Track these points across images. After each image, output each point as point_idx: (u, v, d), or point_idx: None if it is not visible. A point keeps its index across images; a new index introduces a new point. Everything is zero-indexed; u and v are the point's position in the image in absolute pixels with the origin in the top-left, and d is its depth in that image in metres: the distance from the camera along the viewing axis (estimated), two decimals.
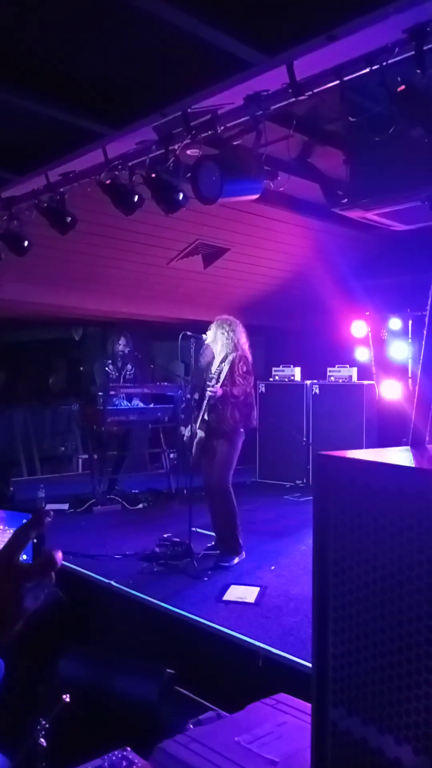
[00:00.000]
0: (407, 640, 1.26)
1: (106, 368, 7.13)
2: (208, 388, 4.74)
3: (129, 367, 7.27)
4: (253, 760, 1.89)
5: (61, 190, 5.04)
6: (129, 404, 7.02)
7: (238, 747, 1.96)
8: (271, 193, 4.24)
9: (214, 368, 4.91)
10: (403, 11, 2.83)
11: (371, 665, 1.31)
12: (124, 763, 1.93)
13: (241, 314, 5.20)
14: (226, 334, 4.87)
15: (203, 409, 4.85)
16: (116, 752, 1.99)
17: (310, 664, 1.51)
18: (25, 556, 0.97)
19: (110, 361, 7.20)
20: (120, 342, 7.27)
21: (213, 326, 4.95)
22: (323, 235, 7.50)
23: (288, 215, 6.70)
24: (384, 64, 3.11)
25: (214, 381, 4.76)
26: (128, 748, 2.01)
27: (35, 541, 0.98)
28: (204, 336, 4.98)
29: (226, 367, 4.74)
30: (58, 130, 4.29)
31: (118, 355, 7.25)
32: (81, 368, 11.51)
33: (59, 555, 0.94)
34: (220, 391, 4.71)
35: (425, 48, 2.97)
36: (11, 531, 0.99)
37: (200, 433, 4.86)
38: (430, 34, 2.94)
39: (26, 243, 5.57)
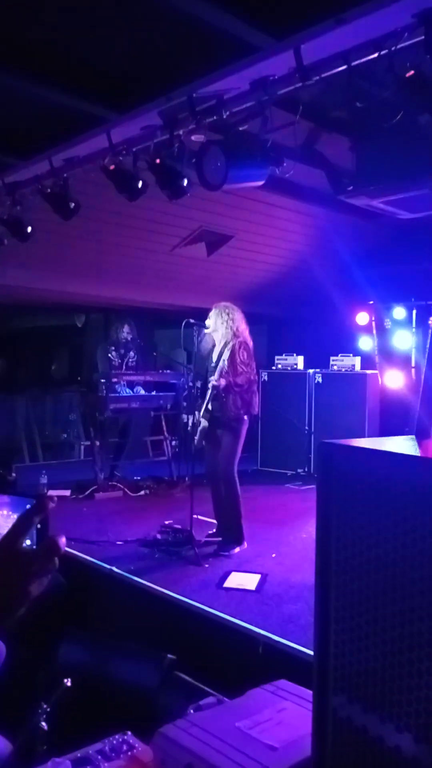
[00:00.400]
0: (409, 628, 1.26)
1: (109, 355, 7.11)
2: (212, 380, 4.70)
3: (132, 354, 7.25)
4: (253, 745, 1.90)
5: (65, 175, 5.01)
6: (131, 392, 7.01)
7: (238, 732, 1.97)
8: (276, 180, 4.20)
9: (214, 356, 4.89)
10: None
11: (373, 653, 1.31)
12: (125, 747, 1.94)
13: (245, 302, 5.18)
14: (225, 322, 4.83)
15: (206, 398, 4.83)
16: (117, 736, 2.00)
17: (310, 652, 1.51)
18: (28, 542, 0.97)
19: (113, 348, 7.17)
20: (124, 329, 7.24)
21: (212, 314, 4.91)
22: (327, 224, 7.46)
23: (292, 203, 6.66)
24: (393, 49, 3.07)
25: (216, 370, 4.73)
26: (129, 732, 2.02)
27: (39, 526, 0.98)
28: (206, 324, 4.96)
29: (227, 354, 4.72)
30: (62, 114, 4.26)
31: (121, 342, 7.22)
32: (83, 355, 11.50)
33: (63, 540, 0.94)
34: (223, 383, 4.69)
35: None
36: (15, 516, 0.99)
37: (204, 423, 4.85)
38: None
39: (29, 228, 5.55)
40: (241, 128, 3.95)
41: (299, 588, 4.01)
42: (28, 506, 0.99)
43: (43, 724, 2.51)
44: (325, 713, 1.40)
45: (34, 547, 0.97)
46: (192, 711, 2.19)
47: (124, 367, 7.11)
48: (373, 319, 8.23)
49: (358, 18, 2.96)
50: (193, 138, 4.21)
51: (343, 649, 1.39)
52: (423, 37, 2.95)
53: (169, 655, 3.09)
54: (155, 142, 4.32)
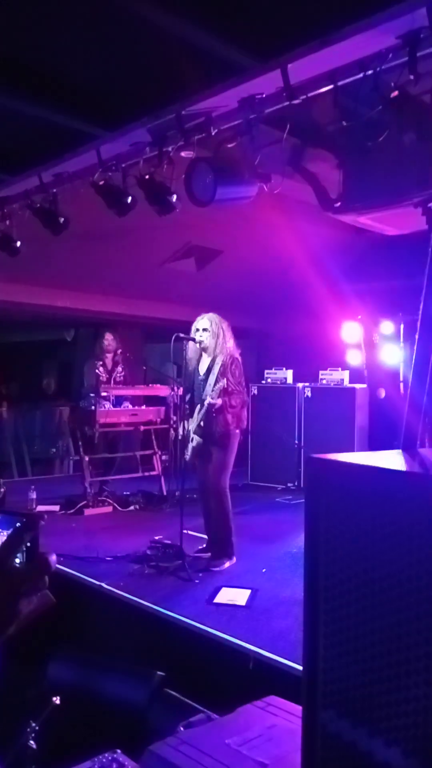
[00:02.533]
0: (398, 643, 1.26)
1: (96, 370, 7.06)
2: (208, 398, 4.67)
3: (119, 369, 7.20)
4: (243, 762, 1.89)
5: (54, 190, 5.03)
6: (120, 407, 6.98)
7: (228, 749, 1.96)
8: (265, 196, 4.25)
9: (202, 368, 4.88)
10: (396, 17, 2.85)
11: (362, 668, 1.32)
12: (114, 766, 1.93)
13: (234, 316, 5.19)
14: (218, 336, 4.81)
15: (197, 413, 4.83)
16: (106, 755, 1.98)
17: (300, 667, 1.51)
18: (18, 560, 0.96)
19: (100, 363, 7.12)
20: (107, 338, 7.16)
21: (204, 323, 4.84)
22: (316, 239, 7.53)
23: (281, 218, 6.72)
24: (377, 69, 3.13)
25: (209, 386, 4.70)
26: (118, 751, 2.00)
27: (28, 544, 0.98)
28: (198, 330, 4.87)
29: (217, 368, 4.71)
30: (51, 131, 4.29)
31: (108, 356, 7.14)
32: (73, 369, 11.47)
33: (53, 558, 0.94)
34: (220, 402, 4.67)
35: (419, 54, 3.00)
36: (5, 534, 0.99)
37: (197, 439, 4.84)
38: (424, 41, 2.96)
39: (18, 243, 5.56)
40: (229, 145, 4.00)
41: (289, 603, 4.00)
42: (17, 524, 0.99)
43: (32, 742, 2.49)
44: (314, 729, 1.40)
45: (24, 564, 0.97)
46: (182, 728, 2.18)
47: (112, 381, 7.06)
48: (362, 333, 8.28)
49: (343, 39, 3.02)
50: (182, 154, 4.25)
51: (332, 664, 1.40)
52: (407, 58, 3.01)
53: (159, 672, 3.07)
54: (144, 158, 4.36)
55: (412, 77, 3.02)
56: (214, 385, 4.68)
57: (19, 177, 5.05)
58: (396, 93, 3.08)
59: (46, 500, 6.79)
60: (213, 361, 4.79)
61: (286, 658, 3.21)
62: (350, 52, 3.17)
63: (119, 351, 7.25)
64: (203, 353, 4.88)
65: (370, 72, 3.17)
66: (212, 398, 4.65)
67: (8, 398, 10.73)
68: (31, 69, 3.65)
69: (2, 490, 6.36)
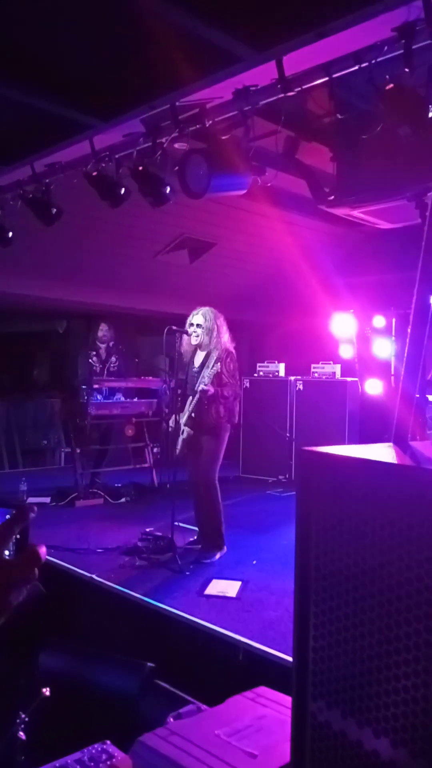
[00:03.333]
0: (387, 633, 1.27)
1: (90, 360, 7.04)
2: (202, 385, 4.66)
3: (113, 359, 7.17)
4: (233, 753, 1.90)
5: (47, 181, 5.00)
6: (112, 399, 6.96)
7: (218, 740, 1.97)
8: (258, 188, 4.24)
9: (196, 361, 4.87)
10: (392, 9, 2.84)
11: (351, 659, 1.33)
12: (104, 757, 1.94)
13: (227, 309, 5.18)
14: (213, 330, 4.79)
15: (189, 405, 4.82)
16: (96, 746, 1.99)
17: (290, 658, 1.52)
18: (7, 552, 0.96)
19: (94, 353, 7.10)
20: (102, 328, 7.13)
21: (200, 317, 4.81)
22: (309, 232, 7.53)
23: (274, 211, 6.71)
24: (373, 62, 3.13)
25: (204, 379, 4.68)
26: (108, 742, 2.01)
27: (18, 536, 0.98)
28: (192, 323, 4.85)
29: (211, 362, 4.70)
30: (44, 120, 4.25)
31: (102, 346, 7.12)
32: (65, 361, 11.44)
33: (43, 550, 0.94)
34: (212, 390, 4.65)
35: (414, 47, 2.99)
36: None
37: (187, 430, 4.83)
38: (419, 33, 2.95)
39: (10, 234, 5.52)
40: (223, 137, 3.98)
41: (280, 594, 4.03)
42: (7, 516, 0.99)
43: (21, 734, 2.49)
44: (304, 719, 1.41)
45: (13, 556, 0.97)
46: (172, 719, 2.19)
47: (105, 372, 7.04)
48: (354, 327, 8.29)
49: (339, 31, 3.01)
50: (176, 146, 4.23)
51: (322, 655, 1.40)
52: (402, 51, 3.00)
53: (149, 663, 3.08)
54: (138, 149, 4.34)
55: (407, 70, 3.02)
56: (209, 375, 4.66)
57: (11, 167, 5.01)
58: (391, 85, 3.07)
59: (37, 492, 6.78)
60: (207, 356, 4.78)
61: (276, 649, 3.23)
62: (346, 44, 3.16)
63: (111, 343, 7.21)
64: (198, 348, 4.87)
65: (365, 64, 3.16)
66: (205, 385, 4.62)
67: (0, 389, 10.68)
68: (24, 58, 3.61)
69: None
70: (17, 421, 9.91)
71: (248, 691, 2.33)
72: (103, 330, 7.12)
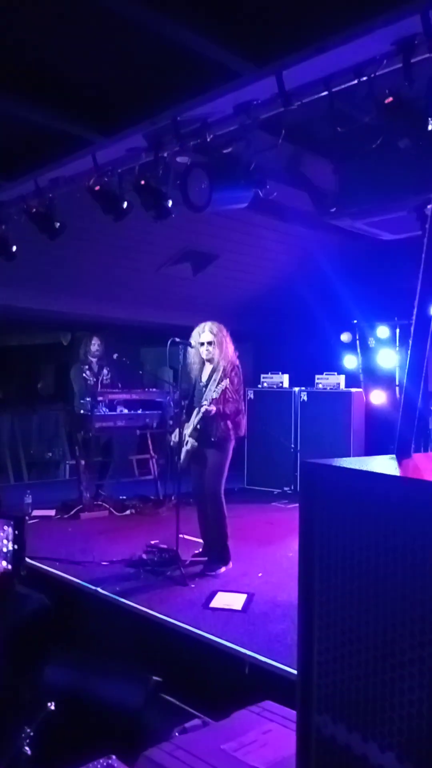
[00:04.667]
0: (392, 646, 1.27)
1: (84, 375, 7.01)
2: (203, 405, 4.67)
3: (105, 371, 7.14)
4: (238, 767, 1.89)
5: (50, 195, 5.04)
6: (114, 411, 6.95)
7: (223, 755, 1.96)
8: (261, 200, 4.27)
9: (204, 376, 4.88)
10: (391, 24, 2.87)
11: (356, 672, 1.32)
12: None
13: (231, 320, 5.19)
14: (224, 341, 4.80)
15: (194, 416, 4.82)
16: (101, 760, 1.98)
17: (296, 672, 1.51)
18: (4, 563, 0.98)
19: (86, 367, 7.06)
20: (93, 343, 7.08)
21: (209, 329, 4.83)
22: (311, 243, 7.56)
23: (277, 223, 6.74)
24: (372, 75, 3.15)
25: (209, 394, 4.68)
26: (113, 756, 2.00)
27: (16, 547, 1.00)
28: (198, 338, 4.87)
29: (218, 376, 4.70)
30: (48, 135, 4.30)
31: (93, 360, 7.08)
32: (69, 373, 11.48)
33: None
34: (214, 410, 4.67)
35: (413, 60, 3.02)
36: None
37: (192, 442, 4.83)
38: (418, 47, 2.98)
39: (14, 248, 5.56)
40: (225, 151, 4.01)
41: (285, 607, 4.00)
42: (6, 527, 1.01)
43: (27, 749, 2.48)
44: (309, 733, 1.40)
45: (10, 567, 0.99)
46: (177, 734, 2.18)
47: (99, 385, 7.01)
48: (357, 337, 8.30)
49: (338, 46, 3.04)
50: (177, 160, 4.27)
51: (327, 668, 1.40)
52: (401, 65, 3.03)
53: (155, 677, 3.07)
54: (140, 163, 4.38)
55: (406, 83, 3.04)
56: (214, 391, 4.66)
57: (15, 181, 5.06)
58: (391, 99, 3.10)
59: (42, 504, 6.77)
60: (214, 369, 4.79)
61: (282, 663, 3.21)
62: (345, 58, 3.19)
63: (100, 351, 7.13)
64: (208, 362, 4.87)
65: (364, 78, 3.19)
66: (209, 404, 4.65)
67: (4, 402, 10.70)
68: (27, 73, 3.66)
69: None
70: (22, 433, 9.92)
71: (254, 705, 2.32)
72: (95, 344, 7.06)
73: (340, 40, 3.01)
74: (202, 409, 4.68)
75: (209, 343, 4.79)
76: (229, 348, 4.83)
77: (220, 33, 3.08)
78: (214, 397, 4.65)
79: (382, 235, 5.22)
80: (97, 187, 4.59)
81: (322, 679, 1.40)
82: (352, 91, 3.31)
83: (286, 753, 1.86)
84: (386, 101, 3.12)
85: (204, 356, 4.82)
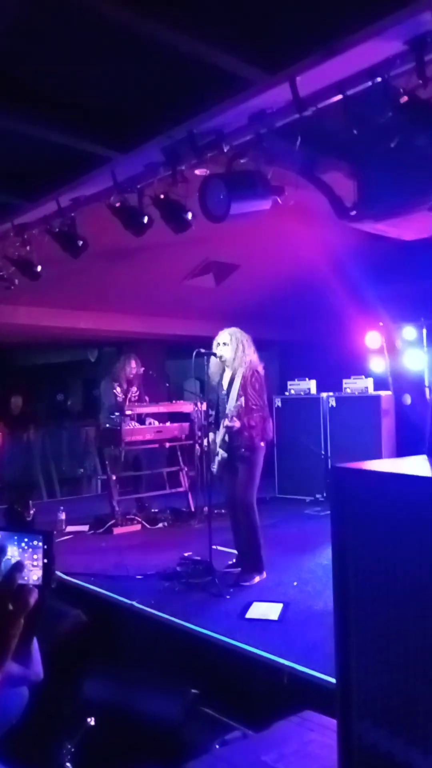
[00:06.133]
0: (431, 650, 1.24)
1: (114, 391, 7.04)
2: (226, 421, 4.68)
3: (134, 389, 7.16)
4: None
5: (72, 214, 5.11)
6: (143, 425, 6.99)
7: (264, 766, 1.93)
8: (279, 205, 4.26)
9: (225, 382, 4.88)
10: (402, 23, 2.86)
11: (395, 676, 1.30)
12: None
13: (255, 328, 5.19)
14: (242, 346, 4.81)
15: (222, 426, 4.81)
16: None
17: (335, 680, 1.49)
18: (35, 576, 1.01)
19: (117, 384, 7.08)
20: (131, 365, 7.01)
21: (225, 338, 4.84)
22: (333, 246, 7.52)
23: (297, 227, 6.73)
24: (386, 76, 3.14)
25: (230, 403, 4.68)
26: None
27: (45, 561, 1.03)
28: (217, 344, 4.90)
29: (237, 381, 4.70)
30: (67, 155, 4.36)
31: (127, 379, 7.11)
32: (97, 389, 11.59)
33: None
34: (238, 424, 4.66)
35: (426, 58, 3.00)
36: (19, 551, 1.04)
37: (222, 453, 4.83)
38: (431, 45, 2.96)
39: (39, 268, 5.65)
40: (241, 160, 4.02)
41: (322, 615, 3.95)
42: (35, 542, 1.04)
43: (68, 764, 2.48)
44: (350, 740, 1.38)
45: (40, 583, 1.02)
46: (217, 746, 2.16)
47: (127, 401, 7.04)
48: (384, 339, 8.22)
49: (350, 48, 3.03)
50: (196, 172, 4.29)
51: (366, 674, 1.38)
52: (415, 63, 3.01)
53: (193, 690, 3.05)
54: (158, 178, 4.41)
55: (421, 81, 3.02)
56: (235, 401, 4.66)
57: (37, 202, 5.14)
58: (406, 98, 3.08)
59: (75, 520, 6.83)
60: (234, 375, 4.79)
61: (321, 672, 3.16)
62: (358, 61, 3.18)
63: (136, 372, 7.16)
64: (225, 367, 4.89)
65: (379, 79, 3.18)
66: (229, 421, 4.65)
67: (35, 420, 10.84)
68: (43, 94, 3.72)
69: (32, 511, 6.42)
70: (53, 450, 10.03)
71: (294, 715, 2.29)
72: (132, 367, 7.04)
73: (352, 42, 3.00)
74: (227, 423, 4.68)
75: (224, 344, 4.83)
76: (248, 352, 4.82)
77: (231, 43, 3.09)
78: (233, 414, 4.65)
79: (404, 235, 5.16)
80: (118, 204, 4.64)
81: (362, 684, 1.38)
82: (367, 92, 3.29)
83: (327, 763, 1.83)
84: (401, 100, 3.09)
85: (219, 359, 4.84)
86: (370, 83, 3.22)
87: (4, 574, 0.97)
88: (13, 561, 1.00)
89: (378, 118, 3.28)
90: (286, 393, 8.69)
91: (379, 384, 8.18)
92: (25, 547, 1.07)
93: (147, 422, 7.05)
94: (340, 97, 3.35)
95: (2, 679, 0.94)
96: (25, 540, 1.08)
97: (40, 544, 1.08)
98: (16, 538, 1.09)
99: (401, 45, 3.05)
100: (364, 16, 2.86)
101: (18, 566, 0.98)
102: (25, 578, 1.01)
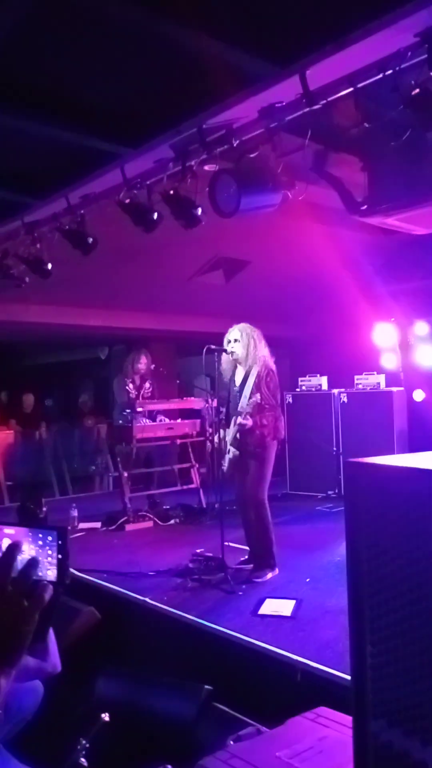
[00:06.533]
0: None
1: (126, 387, 7.07)
2: (239, 418, 4.67)
3: (147, 385, 7.19)
4: None
5: (82, 212, 5.11)
6: (154, 422, 7.00)
7: (279, 762, 1.93)
8: (290, 201, 4.24)
9: (237, 379, 4.87)
10: (412, 15, 2.83)
11: (411, 675, 1.28)
12: None
13: (266, 325, 5.17)
14: (253, 342, 4.80)
15: (233, 424, 4.80)
16: None
17: (349, 677, 1.48)
18: (51, 573, 1.01)
19: (129, 381, 7.11)
20: (141, 361, 7.08)
21: (236, 334, 4.84)
22: (344, 241, 7.47)
23: (308, 223, 6.69)
24: (397, 69, 3.10)
25: (244, 400, 4.68)
26: (168, 766, 1.99)
27: (60, 557, 1.03)
28: (228, 340, 4.89)
29: (252, 379, 4.69)
30: (76, 153, 4.36)
31: (137, 376, 7.13)
32: (108, 387, 11.62)
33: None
34: (250, 423, 4.66)
35: None
36: (34, 547, 1.04)
37: (233, 451, 4.83)
38: None
39: (49, 266, 5.66)
40: (251, 155, 4.00)
41: (335, 612, 3.94)
42: (49, 538, 1.04)
43: (83, 760, 2.49)
44: (366, 739, 1.37)
45: (55, 579, 1.02)
46: (231, 742, 2.16)
47: (140, 397, 7.06)
48: (396, 335, 8.17)
49: (360, 41, 3.00)
50: (205, 167, 4.27)
51: (381, 672, 1.37)
52: (426, 56, 2.98)
53: (207, 686, 3.05)
54: (168, 174, 4.40)
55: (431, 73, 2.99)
56: (249, 398, 4.66)
57: (47, 200, 5.14)
58: (417, 91, 3.05)
59: (88, 518, 6.85)
60: (248, 372, 4.78)
61: (334, 669, 3.16)
62: (368, 54, 3.15)
63: (150, 368, 7.21)
64: (238, 364, 4.88)
65: (389, 72, 3.15)
66: (243, 418, 4.64)
67: (46, 418, 10.89)
68: (51, 92, 3.71)
69: (44, 508, 6.44)
70: (65, 448, 10.06)
71: (308, 711, 2.28)
72: (143, 362, 7.10)
73: (362, 35, 2.97)
74: (239, 420, 4.68)
75: (235, 341, 4.82)
76: (260, 348, 4.80)
77: (240, 37, 3.07)
78: (247, 411, 4.64)
79: (416, 229, 5.12)
80: (127, 201, 4.63)
81: (377, 682, 1.37)
82: (377, 85, 3.27)
83: (342, 759, 1.82)
84: (412, 93, 3.06)
85: (230, 356, 4.83)
86: (380, 76, 3.19)
87: (20, 570, 0.97)
88: (29, 557, 1.00)
89: (389, 111, 3.25)
90: (298, 389, 8.67)
91: (391, 380, 8.14)
92: (41, 543, 1.07)
93: (158, 419, 7.05)
94: (350, 90, 3.32)
95: (19, 673, 0.94)
96: (40, 536, 1.08)
97: (55, 540, 1.08)
98: (31, 534, 1.09)
99: (412, 37, 3.02)
100: (374, 8, 2.83)
101: (33, 562, 0.98)
102: (40, 574, 1.01)
